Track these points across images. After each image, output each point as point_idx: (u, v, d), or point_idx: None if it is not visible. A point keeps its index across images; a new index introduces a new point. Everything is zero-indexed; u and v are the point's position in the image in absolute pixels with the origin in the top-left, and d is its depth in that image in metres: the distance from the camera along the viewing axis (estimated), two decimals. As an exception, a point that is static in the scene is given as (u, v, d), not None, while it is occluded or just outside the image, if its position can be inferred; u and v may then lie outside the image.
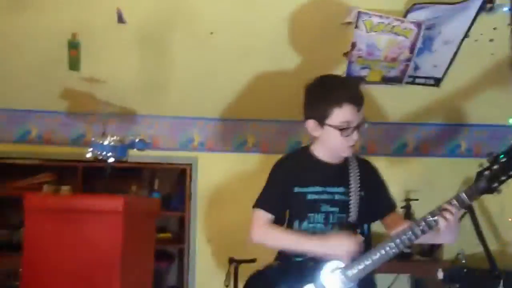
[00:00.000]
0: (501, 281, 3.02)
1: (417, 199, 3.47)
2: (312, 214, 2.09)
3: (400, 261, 3.33)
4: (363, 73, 3.33)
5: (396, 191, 3.39)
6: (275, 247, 2.13)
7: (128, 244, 2.61)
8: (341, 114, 2.03)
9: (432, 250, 3.43)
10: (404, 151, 3.77)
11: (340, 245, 1.98)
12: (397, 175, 3.64)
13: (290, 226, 2.15)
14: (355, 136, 2.06)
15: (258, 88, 3.44)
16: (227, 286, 3.21)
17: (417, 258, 3.37)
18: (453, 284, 3.22)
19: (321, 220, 2.08)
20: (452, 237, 1.94)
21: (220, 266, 3.58)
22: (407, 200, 3.42)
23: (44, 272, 2.60)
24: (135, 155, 3.12)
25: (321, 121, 2.07)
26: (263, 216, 2.13)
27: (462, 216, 3.34)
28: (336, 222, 2.08)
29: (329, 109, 2.03)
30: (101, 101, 3.53)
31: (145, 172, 4.01)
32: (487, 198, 3.47)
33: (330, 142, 2.11)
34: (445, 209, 1.86)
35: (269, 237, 2.11)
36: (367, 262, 1.95)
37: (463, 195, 1.87)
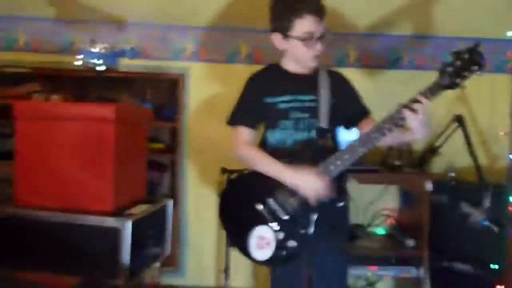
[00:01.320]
0: (489, 193, 3.09)
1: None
2: (283, 121, 2.20)
3: (390, 172, 3.39)
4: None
5: (389, 104, 3.42)
6: (253, 167, 2.22)
7: (120, 151, 2.62)
8: (303, 24, 2.11)
9: (422, 163, 3.48)
10: (398, 63, 3.72)
11: (311, 184, 2.07)
12: (391, 88, 3.62)
13: (263, 136, 2.28)
14: (318, 46, 2.15)
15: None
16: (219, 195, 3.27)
17: (407, 170, 3.41)
18: (441, 196, 3.31)
19: (291, 126, 2.19)
20: (421, 132, 1.99)
21: (212, 176, 3.62)
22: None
23: (36, 179, 2.63)
24: (126, 64, 3.07)
25: (285, 33, 2.16)
26: (244, 133, 2.26)
27: (454, 130, 3.38)
28: (306, 127, 2.19)
29: (291, 20, 2.12)
30: (89, 7, 3.42)
31: (137, 82, 3.96)
32: (479, 113, 3.55)
33: (295, 54, 2.21)
34: (414, 101, 1.94)
35: (251, 159, 2.22)
36: (339, 162, 2.07)
37: (427, 90, 1.94)
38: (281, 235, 2.13)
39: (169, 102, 3.90)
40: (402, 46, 3.69)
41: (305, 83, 2.23)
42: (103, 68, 2.86)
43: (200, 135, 3.71)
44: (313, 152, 2.15)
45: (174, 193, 3.78)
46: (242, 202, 2.22)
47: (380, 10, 3.50)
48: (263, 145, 2.28)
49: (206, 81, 3.69)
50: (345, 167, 2.08)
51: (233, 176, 2.35)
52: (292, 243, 2.12)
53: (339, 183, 2.15)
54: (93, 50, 2.84)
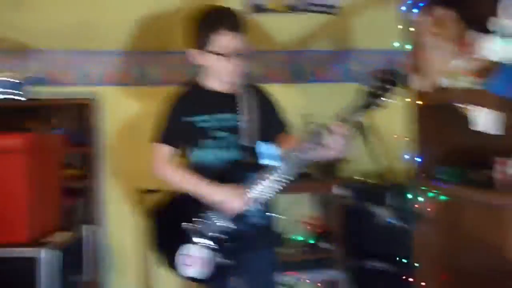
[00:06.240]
0: (391, 193, 3.32)
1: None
2: (205, 141, 2.23)
3: (301, 181, 3.52)
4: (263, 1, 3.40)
5: (295, 116, 3.58)
6: (174, 185, 2.25)
7: (33, 181, 2.58)
8: (219, 40, 2.15)
9: (330, 169, 3.66)
10: (303, 77, 3.90)
11: (230, 200, 2.13)
12: (295, 101, 3.79)
13: (187, 157, 2.29)
14: (236, 62, 2.18)
15: (158, 19, 3.40)
16: (138, 216, 3.29)
17: (316, 178, 3.57)
18: (349, 198, 3.50)
19: (213, 145, 2.23)
20: (341, 152, 2.09)
21: (130, 198, 3.62)
22: (307, 123, 3.56)
23: None
24: (32, 92, 3.03)
25: (202, 49, 2.19)
26: (165, 151, 2.26)
27: (355, 136, 3.58)
28: (227, 145, 2.23)
29: (207, 36, 2.15)
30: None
31: (44, 109, 3.86)
32: (378, 118, 3.78)
33: (213, 70, 2.24)
34: (331, 127, 2.02)
35: (173, 177, 2.24)
36: (268, 183, 2.12)
37: (346, 113, 2.03)
38: (211, 253, 2.18)
39: (79, 127, 3.85)
40: (306, 61, 3.89)
41: (226, 101, 2.26)
42: (7, 97, 2.82)
43: (113, 158, 3.70)
44: (237, 170, 2.19)
45: (92, 218, 3.73)
46: (171, 222, 2.24)
47: (296, 29, 3.71)
48: (188, 165, 2.29)
49: (115, 104, 3.68)
50: (275, 189, 2.13)
51: (160, 198, 2.36)
52: (222, 260, 2.18)
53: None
54: (-4, 79, 2.80)
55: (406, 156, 2.64)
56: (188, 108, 2.26)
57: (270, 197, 2.16)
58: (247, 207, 2.15)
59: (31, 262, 2.42)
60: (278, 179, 2.11)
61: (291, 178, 2.12)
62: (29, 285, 2.41)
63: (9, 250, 2.44)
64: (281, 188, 2.14)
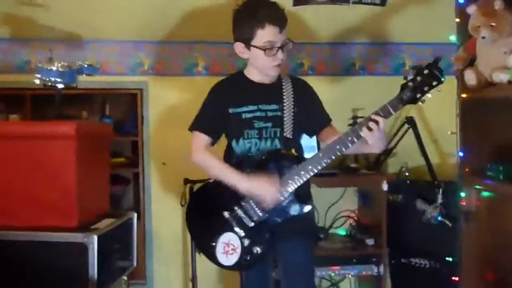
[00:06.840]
0: (440, 190, 3.24)
1: (362, 117, 3.60)
2: (247, 131, 2.26)
3: (347, 175, 3.50)
4: (311, -7, 3.37)
5: (344, 109, 3.56)
6: (209, 173, 2.30)
7: (83, 168, 2.64)
8: (264, 34, 2.16)
9: (378, 164, 3.60)
10: (351, 70, 3.84)
11: (264, 191, 2.15)
12: (345, 94, 3.75)
13: (229, 146, 2.32)
14: (280, 55, 2.21)
15: (207, 10, 3.41)
16: (183, 205, 3.33)
17: (363, 172, 3.53)
18: (397, 195, 3.44)
19: (255, 135, 2.26)
20: (378, 146, 2.11)
21: (175, 188, 3.66)
22: (354, 117, 3.52)
23: (-2, 199, 2.61)
24: (84, 81, 3.09)
25: (247, 43, 2.22)
26: (202, 139, 2.31)
27: (406, 132, 3.52)
28: (269, 136, 2.25)
29: (253, 30, 2.17)
30: (46, 26, 3.43)
31: (95, 98, 3.96)
32: (429, 113, 3.71)
33: (257, 63, 2.27)
34: (371, 119, 2.01)
35: (208, 164, 2.29)
36: (303, 172, 2.15)
37: (388, 106, 2.01)
38: (247, 242, 2.21)
39: (129, 117, 3.93)
40: (355, 53, 3.83)
41: (269, 92, 2.29)
42: (61, 86, 2.88)
43: (161, 147, 3.75)
44: (277, 161, 2.21)
45: (138, 206, 3.80)
46: (209, 209, 2.28)
47: (343, 21, 3.68)
48: (229, 154, 2.33)
49: (164, 94, 3.73)
50: (308, 177, 2.16)
51: (200, 184, 2.41)
52: (257, 249, 2.20)
53: (304, 188, 2.24)
54: (50, 68, 2.86)
55: (457, 153, 2.57)
56: (232, 98, 2.29)
57: (300, 185, 2.16)
58: (282, 198, 2.15)
59: (80, 247, 2.47)
60: (314, 170, 2.13)
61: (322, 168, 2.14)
62: (78, 269, 2.47)
63: (59, 235, 2.50)
64: (311, 177, 2.16)
